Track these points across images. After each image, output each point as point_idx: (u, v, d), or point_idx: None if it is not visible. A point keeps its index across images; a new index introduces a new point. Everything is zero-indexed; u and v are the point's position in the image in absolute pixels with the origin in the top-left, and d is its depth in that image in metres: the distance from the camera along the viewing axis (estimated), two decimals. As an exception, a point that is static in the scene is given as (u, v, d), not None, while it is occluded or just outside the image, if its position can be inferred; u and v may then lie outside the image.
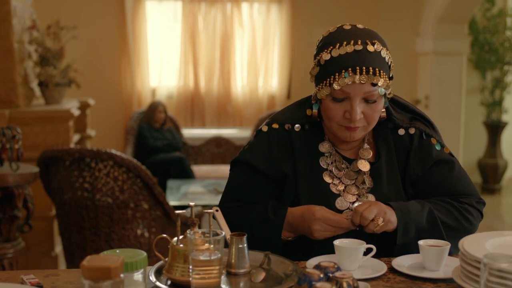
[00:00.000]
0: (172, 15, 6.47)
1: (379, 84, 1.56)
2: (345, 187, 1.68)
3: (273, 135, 1.72)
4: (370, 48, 1.56)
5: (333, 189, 1.67)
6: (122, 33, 6.22)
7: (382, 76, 1.57)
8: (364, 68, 1.55)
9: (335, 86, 1.56)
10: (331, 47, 1.58)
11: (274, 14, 6.50)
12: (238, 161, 1.75)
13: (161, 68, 6.48)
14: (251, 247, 1.47)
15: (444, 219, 1.63)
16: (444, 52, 6.18)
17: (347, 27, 1.61)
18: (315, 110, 1.68)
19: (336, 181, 1.68)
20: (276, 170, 1.69)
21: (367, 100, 1.59)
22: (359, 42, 1.56)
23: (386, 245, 1.62)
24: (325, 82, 1.59)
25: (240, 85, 6.56)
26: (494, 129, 6.93)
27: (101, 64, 6.18)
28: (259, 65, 6.55)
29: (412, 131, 1.72)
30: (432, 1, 6.21)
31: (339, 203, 1.66)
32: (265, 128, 1.74)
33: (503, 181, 7.08)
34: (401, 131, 1.72)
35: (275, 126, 1.73)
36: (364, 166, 1.68)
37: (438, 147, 1.72)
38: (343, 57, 1.56)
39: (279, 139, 1.71)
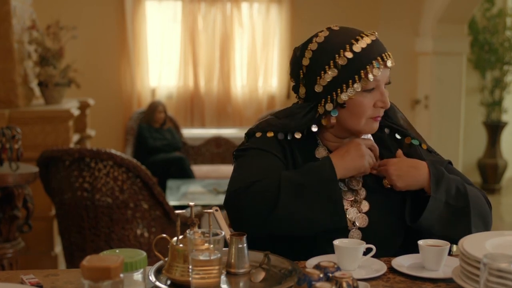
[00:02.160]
0: (172, 15, 6.47)
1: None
2: (341, 191, 1.66)
3: (270, 137, 1.69)
4: (378, 35, 1.66)
5: None
6: (122, 33, 6.22)
7: None
8: (387, 53, 1.63)
9: (370, 77, 1.59)
10: (348, 46, 1.60)
11: (274, 14, 6.51)
12: (249, 148, 1.69)
13: (161, 68, 6.48)
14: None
15: (471, 192, 1.64)
16: (444, 52, 6.18)
17: (336, 28, 1.66)
18: (334, 116, 1.64)
19: None
20: (284, 157, 1.67)
21: (384, 85, 1.66)
22: (368, 33, 1.64)
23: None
24: (351, 80, 1.59)
25: (240, 85, 6.56)
26: (494, 129, 6.93)
27: (101, 64, 6.18)
28: (258, 65, 6.55)
29: (387, 130, 1.75)
30: (432, 1, 6.21)
31: None
32: (258, 134, 1.70)
33: (503, 181, 7.08)
34: (386, 130, 1.75)
35: (270, 134, 1.69)
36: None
37: (416, 142, 1.74)
38: (368, 49, 1.60)
39: (276, 141, 1.69)
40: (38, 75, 4.27)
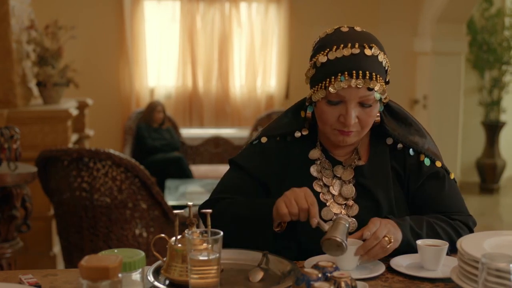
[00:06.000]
0: (170, 15, 6.47)
1: (375, 89, 1.54)
2: (332, 196, 1.66)
3: (264, 147, 1.72)
4: (368, 51, 1.54)
5: (322, 199, 1.66)
6: (120, 33, 6.22)
7: (378, 81, 1.54)
8: (360, 72, 1.52)
9: (331, 90, 1.54)
10: (328, 50, 1.56)
11: (273, 14, 6.51)
12: (232, 161, 1.76)
13: (160, 68, 6.47)
14: (238, 238, 1.52)
15: (441, 234, 1.60)
16: (442, 52, 6.18)
17: (345, 29, 1.60)
18: (309, 112, 1.66)
19: (325, 190, 1.67)
20: (266, 177, 1.70)
21: (362, 105, 1.57)
22: (357, 45, 1.54)
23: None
24: (320, 84, 1.57)
25: (238, 85, 6.56)
26: (493, 129, 6.93)
27: (100, 64, 6.18)
28: (257, 65, 6.55)
29: (400, 145, 1.68)
30: (430, 1, 6.21)
31: (325, 213, 1.64)
32: (255, 142, 1.74)
33: (501, 181, 7.08)
34: (389, 140, 1.68)
35: (264, 140, 1.72)
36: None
37: (427, 163, 1.67)
38: (340, 60, 1.54)
39: (270, 151, 1.71)
40: (36, 75, 4.26)
